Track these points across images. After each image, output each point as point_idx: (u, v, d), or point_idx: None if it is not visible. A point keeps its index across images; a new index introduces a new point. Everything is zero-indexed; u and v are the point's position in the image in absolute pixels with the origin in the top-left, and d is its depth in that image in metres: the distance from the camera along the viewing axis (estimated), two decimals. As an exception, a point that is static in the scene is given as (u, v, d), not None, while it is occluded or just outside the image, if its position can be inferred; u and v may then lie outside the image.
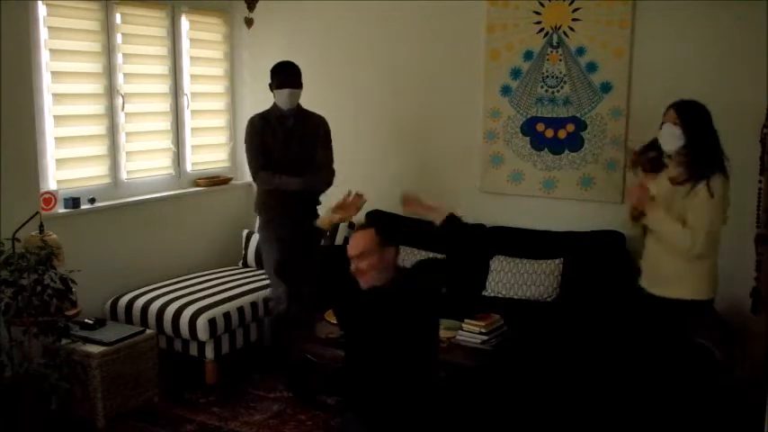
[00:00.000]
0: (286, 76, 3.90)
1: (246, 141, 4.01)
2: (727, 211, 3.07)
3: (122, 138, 4.39)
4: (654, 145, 3.21)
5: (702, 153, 3.04)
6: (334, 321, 3.76)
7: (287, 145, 3.92)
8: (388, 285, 2.69)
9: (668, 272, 3.12)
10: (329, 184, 4.08)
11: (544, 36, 4.29)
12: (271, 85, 3.95)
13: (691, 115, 3.07)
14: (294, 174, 3.91)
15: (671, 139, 3.08)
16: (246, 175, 5.28)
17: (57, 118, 4.01)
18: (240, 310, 4.18)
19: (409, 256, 4.41)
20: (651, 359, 3.17)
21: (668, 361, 3.15)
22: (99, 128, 4.27)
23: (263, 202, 4.07)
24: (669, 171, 3.13)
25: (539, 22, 4.29)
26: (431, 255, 4.33)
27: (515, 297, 4.10)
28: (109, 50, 4.24)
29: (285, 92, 3.88)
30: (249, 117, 4.10)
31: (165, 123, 4.74)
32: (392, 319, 2.67)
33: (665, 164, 3.17)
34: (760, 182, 3.42)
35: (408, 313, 2.68)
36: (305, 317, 4.07)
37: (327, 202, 4.24)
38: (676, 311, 3.12)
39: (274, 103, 3.98)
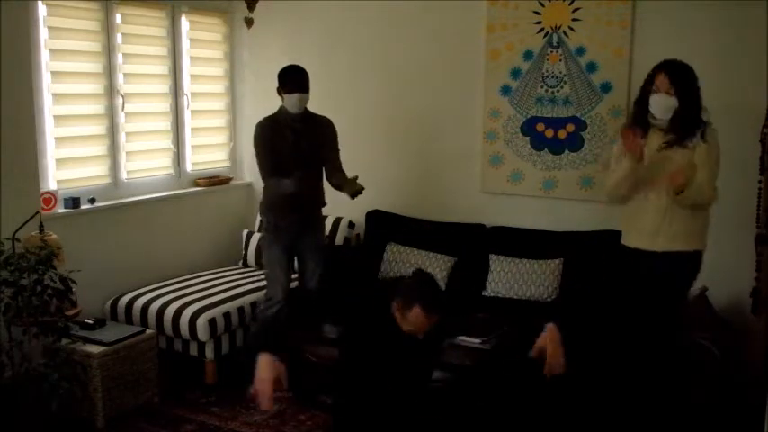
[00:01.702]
0: (296, 80, 3.88)
1: (256, 146, 3.97)
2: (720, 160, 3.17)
3: (122, 138, 4.40)
4: (640, 113, 3.24)
5: (693, 114, 3.12)
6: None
7: (296, 148, 3.92)
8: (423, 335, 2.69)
9: (674, 225, 3.17)
10: (358, 192, 4.05)
11: (544, 36, 4.29)
12: (279, 90, 3.93)
13: (684, 82, 3.12)
14: (300, 176, 3.89)
15: (666, 109, 3.13)
16: (246, 175, 5.31)
17: (57, 118, 4.01)
18: (240, 310, 4.18)
19: (409, 256, 4.42)
20: (651, 358, 3.17)
21: (668, 358, 3.16)
22: (99, 128, 4.27)
23: (269, 205, 4.04)
24: (657, 136, 3.18)
25: (539, 22, 4.29)
26: (431, 255, 4.36)
27: (515, 297, 4.10)
28: (109, 50, 4.25)
29: (295, 96, 3.86)
30: (256, 118, 4.09)
31: (165, 123, 4.75)
32: (419, 363, 2.71)
33: (649, 124, 3.21)
34: (760, 182, 3.42)
35: (432, 358, 2.75)
36: (311, 317, 4.07)
37: (332, 203, 4.26)
38: (682, 263, 3.20)
39: (282, 107, 3.97)
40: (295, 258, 4.12)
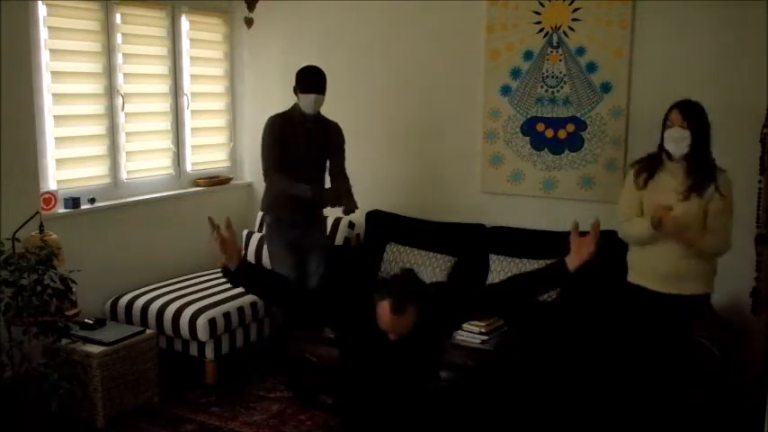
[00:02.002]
0: (315, 81, 3.90)
1: (264, 139, 3.97)
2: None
3: (122, 138, 4.40)
4: (653, 156, 3.20)
5: (706, 158, 3.09)
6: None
7: (306, 148, 3.93)
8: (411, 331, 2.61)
9: (691, 271, 3.14)
10: (351, 210, 4.05)
11: (544, 36, 4.29)
12: (296, 88, 3.93)
13: (697, 118, 3.08)
14: (307, 176, 3.89)
15: (680, 143, 3.07)
16: (246, 176, 5.31)
17: (57, 118, 4.01)
18: (240, 310, 4.18)
19: (409, 256, 4.42)
20: (651, 359, 3.17)
21: (668, 360, 3.16)
22: (99, 128, 4.27)
23: (272, 202, 4.05)
24: (670, 179, 3.13)
25: (539, 22, 4.29)
26: (431, 255, 4.36)
27: (515, 297, 4.10)
28: (109, 50, 4.25)
29: (312, 97, 3.87)
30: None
31: (165, 123, 4.75)
32: (413, 356, 2.66)
33: (660, 164, 3.17)
34: (760, 182, 3.42)
35: (426, 353, 2.69)
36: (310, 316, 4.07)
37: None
38: (690, 306, 3.17)
39: (295, 106, 3.97)
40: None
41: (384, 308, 2.50)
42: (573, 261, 2.77)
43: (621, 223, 3.33)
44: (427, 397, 2.72)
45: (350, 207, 3.94)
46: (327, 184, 4.16)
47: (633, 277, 3.32)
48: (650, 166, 3.20)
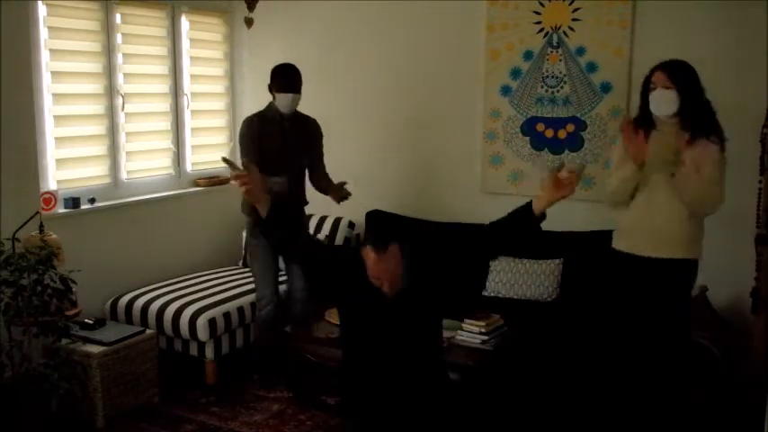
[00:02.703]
0: (289, 80, 3.87)
1: (241, 140, 3.98)
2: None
3: (122, 138, 4.40)
4: (643, 116, 3.16)
5: (698, 112, 3.03)
6: (335, 322, 3.77)
7: (283, 147, 3.90)
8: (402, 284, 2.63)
9: (671, 231, 3.09)
10: (344, 197, 4.06)
11: (544, 36, 4.29)
12: (270, 87, 3.92)
13: (683, 76, 3.04)
14: (285, 175, 3.88)
15: (666, 104, 3.03)
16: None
17: (57, 118, 4.01)
18: (240, 310, 4.18)
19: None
20: (650, 358, 3.17)
21: (668, 359, 3.15)
22: (99, 128, 4.27)
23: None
24: (667, 138, 3.08)
25: (539, 22, 4.29)
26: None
27: (515, 297, 4.10)
28: (109, 50, 4.25)
29: (288, 96, 3.85)
30: (246, 116, 4.08)
31: (165, 123, 4.75)
32: (410, 315, 2.65)
33: (652, 126, 3.13)
34: (760, 182, 3.41)
35: (422, 306, 2.68)
36: (301, 316, 4.06)
37: (332, 203, 4.26)
38: (679, 271, 3.12)
39: (270, 105, 3.95)
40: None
41: (368, 253, 2.53)
42: (541, 201, 2.76)
43: (608, 178, 3.30)
44: (434, 398, 2.72)
45: (342, 194, 3.93)
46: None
47: (616, 242, 3.30)
48: (643, 126, 3.13)
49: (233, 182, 2.70)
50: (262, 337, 4.12)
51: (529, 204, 2.74)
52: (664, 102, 3.05)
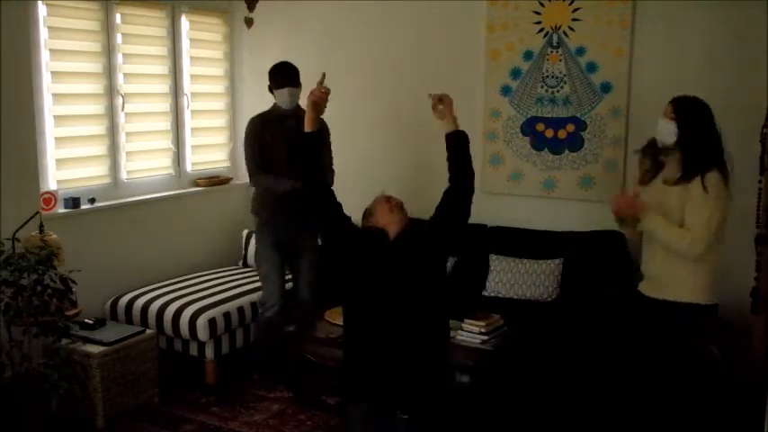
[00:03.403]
0: (285, 75, 3.89)
1: (246, 141, 4.00)
2: (727, 210, 3.01)
3: (122, 138, 4.40)
4: (651, 145, 3.19)
5: (695, 149, 2.99)
6: (335, 321, 3.78)
7: (286, 145, 3.91)
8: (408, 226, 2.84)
9: (666, 274, 3.08)
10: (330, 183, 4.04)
11: (544, 36, 4.29)
12: (270, 86, 3.94)
13: (686, 110, 3.03)
14: (290, 174, 3.88)
15: (664, 134, 3.07)
16: (246, 175, 5.29)
17: (57, 118, 4.01)
18: (240, 310, 4.18)
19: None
20: (651, 359, 3.17)
21: (668, 361, 3.15)
22: (99, 128, 4.27)
23: (260, 203, 4.05)
24: (663, 173, 3.11)
25: (539, 22, 4.29)
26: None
27: (515, 297, 4.10)
28: (109, 50, 4.25)
29: (285, 91, 3.87)
30: (250, 117, 4.09)
31: (165, 123, 4.75)
32: (417, 257, 2.78)
33: (662, 165, 3.14)
34: (760, 182, 3.41)
35: (429, 250, 2.83)
36: (304, 317, 4.06)
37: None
38: (677, 315, 3.07)
39: (274, 104, 3.98)
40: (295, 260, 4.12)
41: (379, 202, 2.82)
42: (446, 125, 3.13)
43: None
44: (439, 390, 2.73)
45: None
46: None
47: (640, 284, 3.28)
48: (654, 168, 3.17)
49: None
50: (262, 336, 4.12)
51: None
52: (663, 132, 3.07)
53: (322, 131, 4.08)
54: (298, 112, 3.96)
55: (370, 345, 2.72)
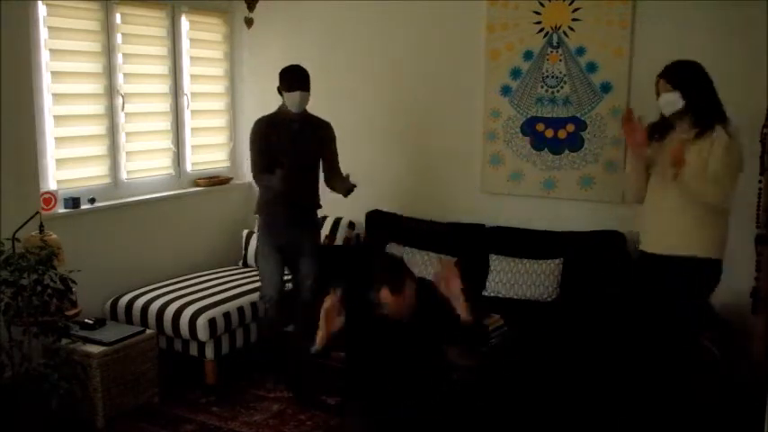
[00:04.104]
0: (297, 79, 3.88)
1: (251, 142, 4.00)
2: (743, 157, 3.11)
3: (122, 138, 4.40)
4: (662, 120, 3.24)
5: (704, 107, 3.09)
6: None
7: (292, 148, 3.91)
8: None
9: (677, 228, 3.12)
10: (350, 189, 4.02)
11: (544, 36, 4.29)
12: (279, 89, 3.92)
13: (680, 76, 3.13)
14: (295, 177, 3.87)
15: (670, 105, 3.13)
16: (246, 176, 5.30)
17: (57, 118, 4.01)
18: (240, 310, 4.18)
19: (409, 256, 4.41)
20: (651, 358, 3.17)
21: (669, 359, 3.15)
22: (99, 128, 4.27)
23: (263, 204, 4.05)
24: (679, 134, 3.16)
25: (539, 22, 4.29)
26: (431, 255, 4.36)
27: (515, 297, 4.10)
28: (109, 50, 4.25)
29: (296, 95, 3.85)
30: (255, 118, 4.08)
31: (165, 123, 4.75)
32: (420, 334, 2.73)
33: (671, 127, 3.20)
34: (760, 182, 3.42)
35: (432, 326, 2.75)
36: (305, 319, 4.06)
37: (332, 203, 4.26)
38: (690, 269, 3.11)
39: (281, 106, 3.96)
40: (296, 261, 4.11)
41: (385, 294, 2.66)
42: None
43: (626, 176, 3.43)
44: (437, 394, 2.74)
45: (347, 186, 3.93)
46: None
47: (640, 243, 3.34)
48: (660, 129, 3.23)
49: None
50: (263, 330, 4.12)
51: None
52: (667, 104, 3.15)
53: (325, 137, 4.09)
54: (304, 116, 3.97)
55: (374, 352, 2.75)
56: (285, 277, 4.06)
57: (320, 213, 4.82)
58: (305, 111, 3.96)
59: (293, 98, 3.86)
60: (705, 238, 3.12)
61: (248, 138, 4.05)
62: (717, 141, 3.05)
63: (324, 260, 4.17)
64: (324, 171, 4.11)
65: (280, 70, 3.94)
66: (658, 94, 3.18)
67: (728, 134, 3.05)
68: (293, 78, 3.87)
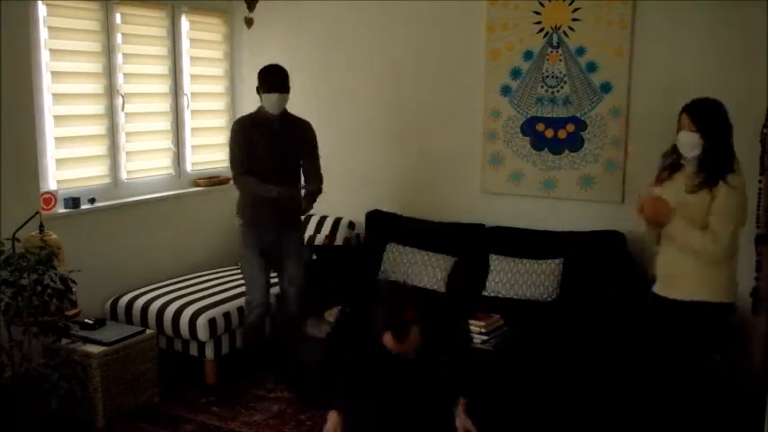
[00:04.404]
0: (275, 80, 3.84)
1: (230, 143, 3.95)
2: (746, 210, 3.02)
3: (122, 138, 4.40)
4: (675, 151, 3.12)
5: (718, 157, 2.97)
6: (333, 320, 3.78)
7: (272, 149, 3.88)
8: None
9: (687, 273, 3.03)
10: (320, 191, 4.02)
11: (544, 36, 4.29)
12: (258, 89, 3.89)
13: (708, 120, 2.98)
14: (276, 178, 3.84)
15: (689, 146, 2.99)
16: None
17: (57, 118, 4.01)
18: (240, 310, 4.18)
19: (409, 256, 4.42)
20: (651, 359, 3.17)
21: (670, 363, 3.15)
22: (99, 128, 4.27)
23: (245, 206, 4.02)
24: (684, 177, 3.05)
25: (539, 22, 4.29)
26: (431, 255, 4.35)
27: (515, 297, 4.10)
28: (109, 50, 4.25)
29: (274, 96, 3.82)
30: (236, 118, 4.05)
31: (165, 123, 4.75)
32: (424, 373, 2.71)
33: (681, 165, 3.09)
34: (760, 182, 3.42)
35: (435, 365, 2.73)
36: (293, 317, 4.06)
37: (332, 203, 4.26)
38: (696, 314, 3.03)
39: (261, 107, 3.93)
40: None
41: (388, 339, 2.58)
42: None
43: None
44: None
45: (305, 207, 3.95)
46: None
47: (654, 285, 3.24)
48: (671, 167, 3.12)
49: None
50: (247, 339, 4.11)
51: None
52: (688, 145, 3.00)
53: (306, 138, 4.07)
54: (283, 116, 3.94)
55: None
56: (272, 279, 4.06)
57: (320, 213, 4.83)
58: (285, 110, 3.94)
59: (271, 100, 3.83)
60: (714, 281, 3.01)
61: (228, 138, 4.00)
62: (720, 195, 2.93)
63: (324, 260, 4.16)
64: (304, 172, 4.07)
65: (259, 70, 3.91)
66: (679, 130, 3.05)
67: (731, 186, 2.92)
68: (271, 80, 3.84)
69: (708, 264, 2.98)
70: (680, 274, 3.06)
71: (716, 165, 2.96)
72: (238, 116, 5.18)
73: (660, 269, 3.20)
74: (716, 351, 3.12)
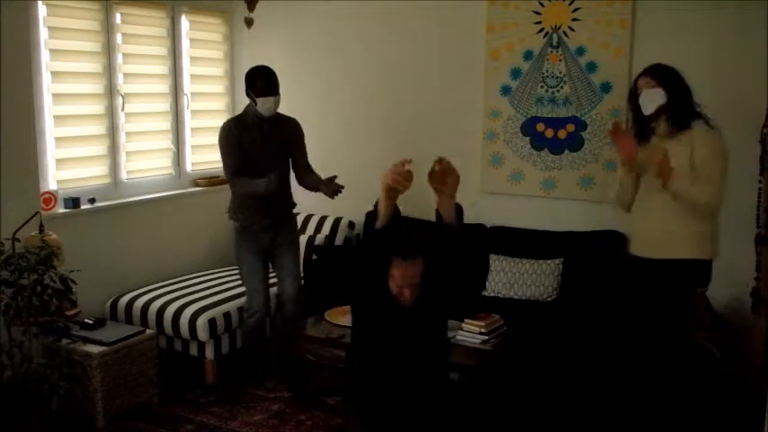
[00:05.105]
0: (270, 83, 3.81)
1: (222, 146, 3.91)
2: (727, 162, 3.11)
3: (122, 138, 4.40)
4: (638, 126, 3.27)
5: (683, 105, 3.12)
6: (335, 321, 3.78)
7: (263, 150, 3.87)
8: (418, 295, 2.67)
9: (677, 232, 3.12)
10: (337, 191, 4.00)
11: (544, 36, 4.29)
12: (249, 92, 3.85)
13: (663, 73, 3.16)
14: (274, 177, 3.80)
15: (653, 101, 3.14)
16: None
17: (57, 118, 4.01)
18: (240, 310, 4.18)
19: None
20: (651, 358, 3.17)
21: (668, 359, 3.15)
22: (99, 128, 4.27)
23: (239, 207, 4.01)
24: (660, 139, 3.17)
25: (539, 22, 4.29)
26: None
27: (515, 297, 4.10)
28: (109, 50, 4.25)
29: (270, 99, 3.79)
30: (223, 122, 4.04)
31: (165, 123, 4.75)
32: (426, 322, 2.69)
33: (652, 131, 3.22)
34: (760, 182, 3.42)
35: (437, 314, 2.72)
36: (292, 315, 4.05)
37: (333, 203, 4.25)
38: (681, 272, 3.13)
39: (248, 108, 3.91)
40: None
41: (397, 264, 2.59)
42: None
43: (614, 182, 3.42)
44: (438, 398, 2.72)
45: (334, 188, 3.89)
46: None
47: (631, 247, 3.35)
48: (641, 133, 3.25)
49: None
50: (247, 343, 4.10)
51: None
52: (650, 99, 3.15)
53: (295, 135, 4.06)
54: (274, 116, 3.92)
55: (377, 370, 2.72)
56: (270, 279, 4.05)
57: (320, 213, 4.83)
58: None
59: (267, 104, 3.80)
60: (692, 239, 3.13)
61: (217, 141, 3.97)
62: (698, 140, 3.08)
63: (324, 260, 4.16)
64: (295, 169, 4.07)
65: (246, 72, 3.89)
66: (638, 95, 3.19)
67: (711, 127, 3.10)
68: (264, 83, 3.80)
69: (703, 218, 3.10)
70: (657, 233, 3.16)
71: (684, 108, 3.12)
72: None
73: (636, 229, 3.28)
74: (694, 306, 3.26)
